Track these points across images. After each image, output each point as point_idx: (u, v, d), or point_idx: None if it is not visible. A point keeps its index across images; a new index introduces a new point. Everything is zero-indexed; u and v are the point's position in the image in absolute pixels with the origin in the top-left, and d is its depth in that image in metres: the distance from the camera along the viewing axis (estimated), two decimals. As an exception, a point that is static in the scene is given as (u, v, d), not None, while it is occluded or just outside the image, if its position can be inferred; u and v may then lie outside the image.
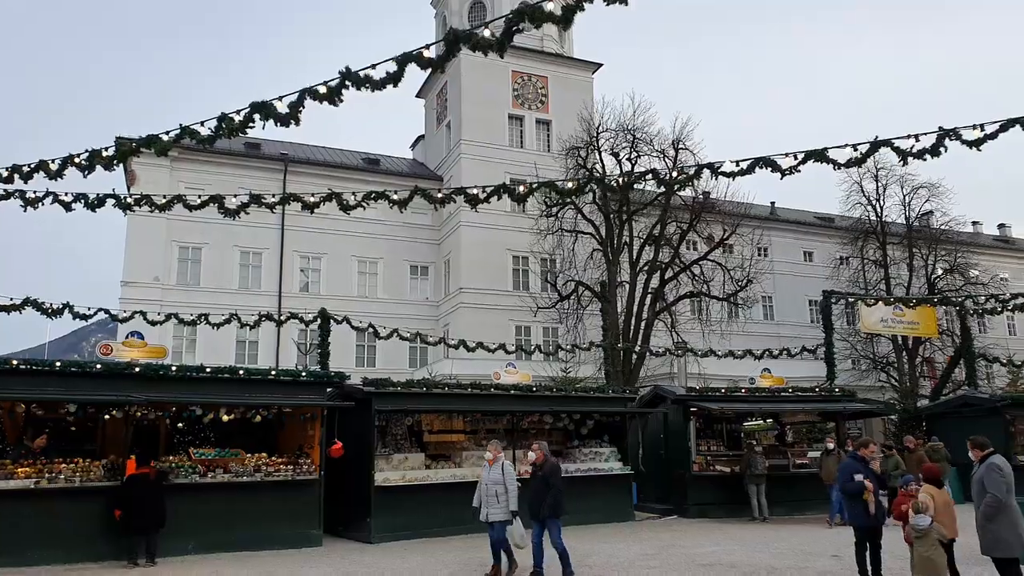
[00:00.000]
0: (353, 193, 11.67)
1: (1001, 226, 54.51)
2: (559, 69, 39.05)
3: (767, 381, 18.64)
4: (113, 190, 9.68)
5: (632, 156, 27.84)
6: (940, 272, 34.61)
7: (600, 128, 28.99)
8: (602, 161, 28.66)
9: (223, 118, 8.36)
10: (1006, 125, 8.32)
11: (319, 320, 16.40)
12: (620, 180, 12.34)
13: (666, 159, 26.97)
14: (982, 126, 8.42)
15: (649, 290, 27.94)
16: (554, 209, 28.28)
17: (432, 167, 40.39)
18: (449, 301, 35.90)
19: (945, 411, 21.66)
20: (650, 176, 10.99)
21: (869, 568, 8.19)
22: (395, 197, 11.16)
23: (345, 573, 10.02)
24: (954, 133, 8.45)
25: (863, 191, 34.86)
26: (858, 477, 8.25)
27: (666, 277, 28.23)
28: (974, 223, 50.02)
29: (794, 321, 41.15)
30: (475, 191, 11.14)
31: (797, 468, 16.90)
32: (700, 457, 16.92)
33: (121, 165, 11.24)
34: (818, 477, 15.52)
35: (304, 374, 13.95)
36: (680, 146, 27.34)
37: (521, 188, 11.01)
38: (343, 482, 13.45)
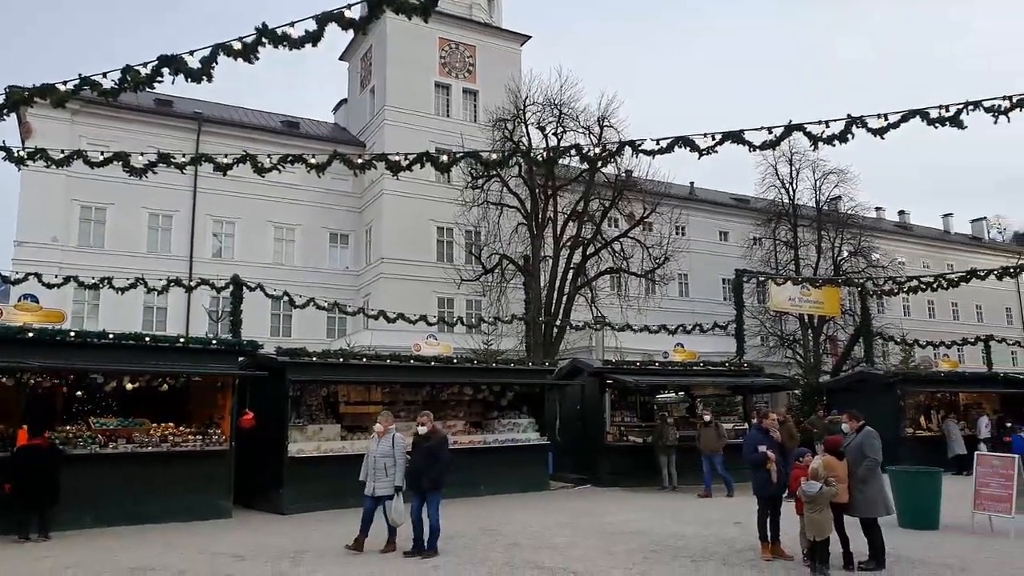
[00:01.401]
0: (269, 156, 11.31)
1: (901, 212, 57.70)
2: (487, 39, 38.65)
3: (680, 355, 19.20)
4: (4, 142, 9.03)
5: (558, 131, 27.96)
6: (845, 254, 36.40)
7: (527, 101, 28.93)
8: (528, 134, 28.66)
9: (128, 70, 7.90)
10: (907, 116, 8.73)
11: (231, 287, 15.85)
12: (545, 154, 12.36)
13: (591, 135, 27.20)
14: (886, 115, 8.81)
15: (571, 265, 28.29)
16: (479, 181, 28.16)
17: (355, 132, 39.47)
18: (370, 271, 35.39)
19: (844, 386, 22.88)
20: (574, 152, 11.08)
21: (769, 533, 8.62)
22: (313, 161, 10.89)
23: (254, 544, 9.83)
24: (861, 121, 8.83)
25: (777, 174, 36.20)
26: (761, 448, 8.64)
27: (588, 253, 28.64)
28: (877, 209, 52.76)
29: (708, 298, 42.52)
30: (397, 158, 10.97)
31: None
32: (614, 428, 17.37)
33: (15, 116, 10.48)
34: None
35: (215, 342, 13.50)
36: (605, 123, 27.63)
37: (444, 157, 10.91)
38: (255, 453, 13.16)
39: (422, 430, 9.28)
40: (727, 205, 47.09)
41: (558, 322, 26.04)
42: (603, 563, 8.55)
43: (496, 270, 28.63)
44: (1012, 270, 18.19)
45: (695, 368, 18.70)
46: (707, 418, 15.96)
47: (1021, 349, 30.98)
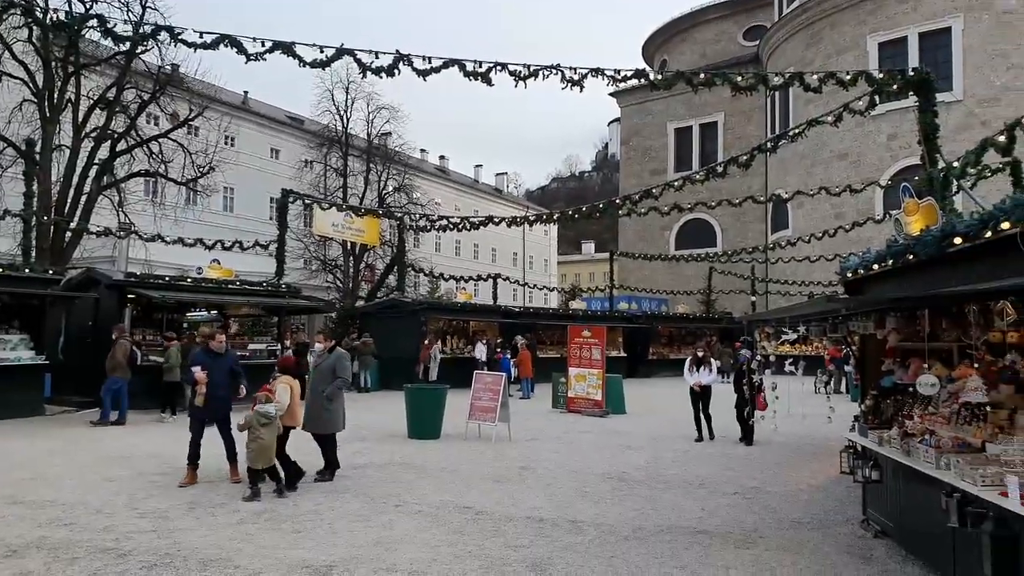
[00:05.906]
0: None
1: (442, 158, 63.85)
2: None
3: (216, 272, 18.29)
4: None
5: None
6: (390, 189, 38.73)
7: (47, -48, 23.56)
8: (46, -5, 23.42)
9: None
10: (448, 63, 9.45)
11: None
12: (60, 17, 10.21)
13: (130, 13, 23.46)
14: (430, 59, 9.40)
15: (95, 161, 24.36)
16: (-29, 38, 22.17)
17: None
18: None
19: (377, 311, 24.61)
20: (99, 23, 9.40)
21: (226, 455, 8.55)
22: None
23: None
24: (408, 59, 9.26)
25: (334, 100, 36.48)
26: (194, 369, 8.42)
27: (118, 149, 24.96)
28: (422, 151, 57.37)
29: (254, 216, 41.30)
30: None
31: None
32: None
33: None
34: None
35: None
36: (148, 4, 24.01)
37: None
38: None
39: None
40: (281, 122, 46.03)
41: (72, 225, 22.38)
42: (102, 491, 7.72)
43: (-10, 154, 23.14)
44: (519, 220, 21.45)
45: (230, 286, 17.99)
46: (115, 335, 14.22)
47: (520, 287, 37.19)
